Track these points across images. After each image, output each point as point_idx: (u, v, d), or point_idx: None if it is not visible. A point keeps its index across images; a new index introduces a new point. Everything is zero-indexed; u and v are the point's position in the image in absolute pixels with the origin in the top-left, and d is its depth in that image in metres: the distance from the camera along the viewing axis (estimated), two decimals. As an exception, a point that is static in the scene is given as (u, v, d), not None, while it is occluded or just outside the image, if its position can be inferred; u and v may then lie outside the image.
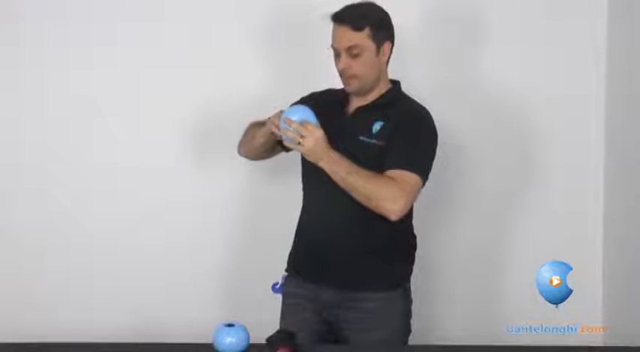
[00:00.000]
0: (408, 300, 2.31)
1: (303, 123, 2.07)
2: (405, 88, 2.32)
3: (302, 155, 2.26)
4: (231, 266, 2.85)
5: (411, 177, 2.12)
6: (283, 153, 2.41)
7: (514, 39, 2.76)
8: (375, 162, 2.14)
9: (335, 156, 2.09)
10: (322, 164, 2.09)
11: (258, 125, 2.34)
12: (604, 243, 2.80)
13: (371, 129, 2.20)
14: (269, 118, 2.20)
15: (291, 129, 2.07)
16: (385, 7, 2.23)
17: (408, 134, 2.16)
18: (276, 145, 2.34)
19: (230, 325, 2.04)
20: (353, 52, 2.16)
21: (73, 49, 2.77)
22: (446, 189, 2.77)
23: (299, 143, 2.07)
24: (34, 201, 2.82)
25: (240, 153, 2.45)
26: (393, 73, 2.32)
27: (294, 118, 2.09)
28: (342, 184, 2.10)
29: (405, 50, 2.59)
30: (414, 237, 2.34)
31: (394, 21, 2.24)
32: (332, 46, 2.20)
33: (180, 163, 2.80)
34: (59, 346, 2.21)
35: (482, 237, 2.85)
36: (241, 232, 2.84)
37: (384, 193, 2.08)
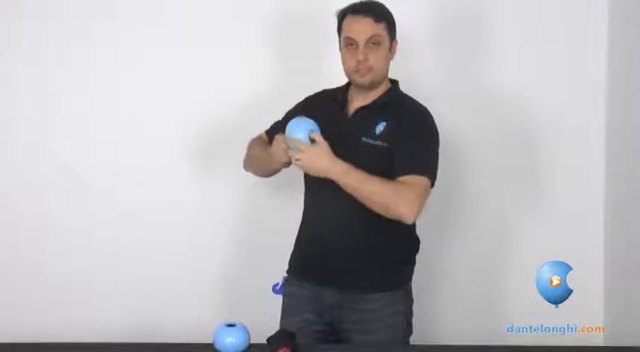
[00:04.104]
0: (409, 300, 2.31)
1: (297, 141, 2.08)
2: (407, 88, 2.32)
3: None
4: (231, 266, 2.84)
5: (421, 181, 2.11)
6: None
7: (516, 40, 2.76)
8: (380, 163, 2.13)
9: (342, 167, 2.08)
10: (331, 176, 2.08)
11: (263, 147, 2.33)
12: (604, 243, 2.80)
13: (374, 131, 2.19)
14: (276, 138, 2.19)
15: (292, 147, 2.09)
16: (390, 7, 2.23)
17: (412, 136, 2.16)
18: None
19: (231, 325, 2.04)
20: (373, 42, 2.16)
21: (73, 49, 2.77)
22: (447, 189, 2.75)
23: (297, 160, 2.09)
24: (33, 201, 2.82)
25: (246, 170, 2.44)
26: (395, 72, 2.31)
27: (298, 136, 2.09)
28: (355, 194, 2.09)
29: (408, 51, 2.59)
30: (417, 239, 2.34)
31: (397, 21, 2.24)
32: (348, 38, 2.18)
33: (182, 164, 2.80)
34: (59, 346, 2.21)
35: (482, 237, 2.85)
36: (242, 232, 2.84)
37: (399, 199, 2.07)
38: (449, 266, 2.85)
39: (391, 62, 2.26)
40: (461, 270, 2.86)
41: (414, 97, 2.29)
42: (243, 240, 2.84)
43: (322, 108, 2.26)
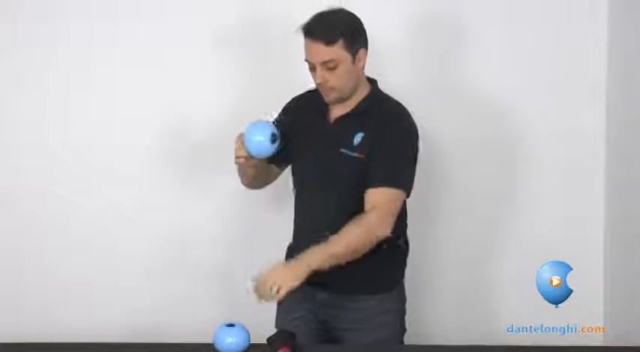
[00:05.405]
0: (402, 299, 2.32)
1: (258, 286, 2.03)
2: (392, 91, 2.30)
3: (292, 166, 2.31)
4: (232, 266, 2.84)
5: (392, 194, 2.14)
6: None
7: (516, 40, 2.75)
8: (356, 175, 2.15)
9: (306, 260, 2.05)
10: (307, 273, 2.04)
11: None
12: (604, 243, 2.80)
13: (352, 142, 2.18)
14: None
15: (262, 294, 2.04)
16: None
17: (386, 147, 2.15)
18: (270, 168, 2.34)
19: (230, 325, 2.05)
20: (329, 66, 2.13)
21: (73, 50, 2.77)
22: (449, 188, 2.78)
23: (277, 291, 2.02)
24: (33, 201, 2.82)
25: (247, 187, 2.43)
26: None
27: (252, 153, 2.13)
28: (336, 262, 2.07)
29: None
30: (406, 242, 2.33)
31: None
32: (306, 60, 2.16)
33: (183, 164, 2.79)
34: (59, 346, 2.21)
35: (483, 237, 2.85)
36: (242, 232, 2.84)
37: (369, 231, 2.10)
38: (449, 266, 2.85)
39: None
40: (461, 271, 2.86)
41: (393, 97, 2.27)
42: (243, 239, 2.84)
43: (306, 112, 2.27)
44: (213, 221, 2.83)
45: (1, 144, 2.80)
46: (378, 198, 2.13)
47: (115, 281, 2.82)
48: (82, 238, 2.82)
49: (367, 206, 2.13)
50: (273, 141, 2.14)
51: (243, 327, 2.05)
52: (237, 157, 2.19)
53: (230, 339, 2.02)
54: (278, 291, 2.01)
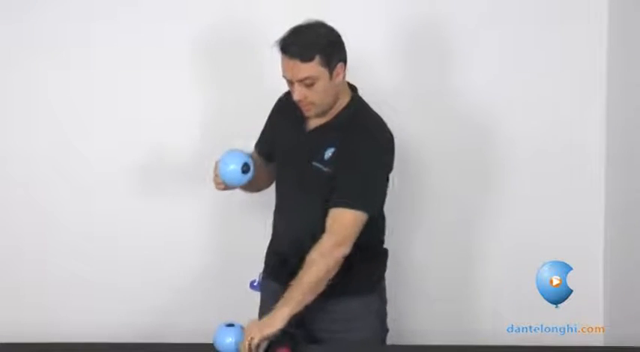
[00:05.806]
0: (383, 301, 2.32)
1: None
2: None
3: (276, 162, 2.31)
4: (232, 266, 2.84)
5: (353, 216, 2.10)
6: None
7: (511, 40, 2.75)
8: (324, 189, 2.13)
9: (281, 308, 2.05)
10: (286, 318, 2.04)
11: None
12: (604, 243, 2.80)
13: (323, 156, 2.16)
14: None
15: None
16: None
17: (353, 164, 2.13)
18: (261, 171, 2.32)
19: (230, 325, 2.05)
20: (306, 83, 2.09)
21: (72, 50, 2.76)
22: (450, 185, 2.79)
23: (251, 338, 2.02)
24: (33, 201, 2.82)
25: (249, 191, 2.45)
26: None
27: None
28: (313, 296, 2.08)
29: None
30: (382, 242, 2.32)
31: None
32: (284, 76, 2.13)
33: (182, 164, 2.79)
34: (59, 346, 2.21)
35: (483, 238, 2.85)
36: (243, 232, 2.84)
37: (328, 258, 2.07)
38: (449, 266, 2.85)
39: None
40: (461, 271, 2.86)
41: (372, 107, 2.25)
42: (242, 239, 2.84)
43: (289, 114, 2.24)
44: (214, 221, 2.83)
45: (1, 143, 2.80)
46: (337, 221, 2.10)
47: (115, 281, 2.83)
48: (82, 239, 2.82)
49: (326, 226, 2.11)
50: (244, 171, 2.14)
51: (243, 327, 2.05)
52: (215, 183, 2.22)
53: (230, 339, 2.03)
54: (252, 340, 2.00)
